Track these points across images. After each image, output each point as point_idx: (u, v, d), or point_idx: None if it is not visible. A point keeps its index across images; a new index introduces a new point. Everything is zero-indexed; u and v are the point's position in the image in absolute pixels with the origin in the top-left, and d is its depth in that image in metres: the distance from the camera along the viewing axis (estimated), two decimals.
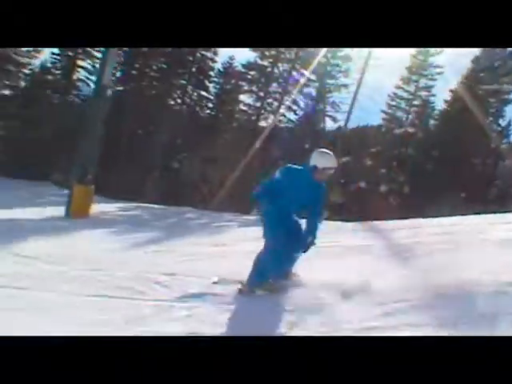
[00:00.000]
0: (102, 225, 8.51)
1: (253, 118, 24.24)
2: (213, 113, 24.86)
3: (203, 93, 24.57)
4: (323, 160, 3.10)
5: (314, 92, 23.93)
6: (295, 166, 3.23)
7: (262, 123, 23.88)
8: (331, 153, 3.17)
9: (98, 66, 21.75)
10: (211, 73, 24.49)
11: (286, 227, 3.18)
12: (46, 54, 22.18)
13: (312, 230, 3.19)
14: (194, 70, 24.00)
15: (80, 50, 21.95)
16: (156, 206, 14.21)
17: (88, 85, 22.79)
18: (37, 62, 22.32)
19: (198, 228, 9.25)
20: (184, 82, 24.17)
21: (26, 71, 22.13)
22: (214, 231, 8.78)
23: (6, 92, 21.47)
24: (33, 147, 19.93)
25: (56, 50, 22.08)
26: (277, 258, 3.14)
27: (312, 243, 3.22)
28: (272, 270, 3.20)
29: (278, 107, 23.53)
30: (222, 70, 24.55)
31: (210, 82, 24.68)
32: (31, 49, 20.99)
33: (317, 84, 23.77)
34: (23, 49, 20.75)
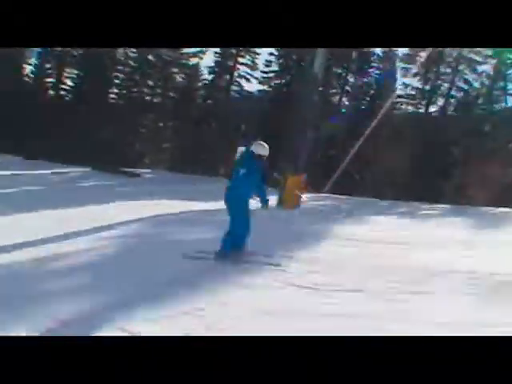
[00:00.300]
0: (327, 214, 8.79)
1: (423, 102, 21.97)
2: (370, 99, 22.66)
3: (365, 79, 22.71)
4: (258, 149, 4.38)
5: (490, 69, 21.56)
6: (244, 153, 4.47)
7: (433, 108, 22.00)
8: (265, 145, 4.40)
9: (256, 61, 21.99)
10: (371, 58, 22.63)
11: (242, 210, 4.36)
12: (209, 55, 22.25)
13: (262, 198, 4.49)
14: (353, 56, 22.30)
15: (241, 48, 21.81)
16: (343, 196, 14.43)
17: (248, 80, 22.55)
18: (195, 62, 22.71)
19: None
20: (344, 70, 22.54)
21: (188, 71, 22.70)
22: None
23: (172, 94, 22.58)
24: (201, 145, 20.41)
25: (218, 49, 21.70)
26: (236, 234, 4.41)
27: (265, 207, 4.52)
28: (232, 242, 4.41)
29: (449, 89, 21.63)
30: (381, 54, 22.45)
31: (370, 68, 22.83)
32: (197, 50, 21.37)
33: (494, 60, 21.17)
34: (188, 50, 21.48)
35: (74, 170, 16.89)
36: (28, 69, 23.80)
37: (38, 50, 22.39)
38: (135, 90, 21.99)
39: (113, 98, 22.66)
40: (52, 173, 15.80)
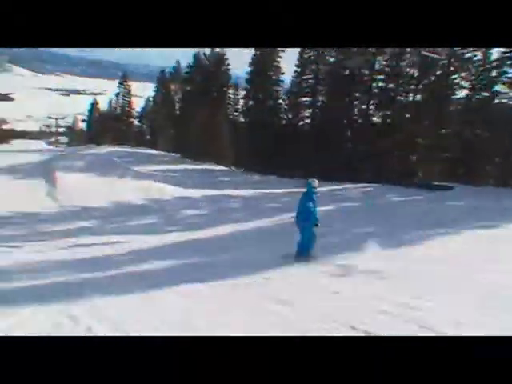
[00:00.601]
0: None
1: None
2: None
3: None
4: (315, 184, 6.20)
5: None
6: (308, 189, 6.25)
7: None
8: (316, 180, 6.24)
9: None
10: None
11: (310, 224, 6.15)
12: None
13: (316, 219, 6.27)
14: None
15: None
16: None
17: None
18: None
19: None
20: None
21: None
22: None
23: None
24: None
25: None
26: (306, 242, 6.19)
27: (316, 225, 6.22)
28: (305, 249, 6.21)
29: None
30: None
31: None
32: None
33: None
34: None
35: (357, 186, 15.65)
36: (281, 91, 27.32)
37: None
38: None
39: (371, 109, 21.83)
40: (329, 190, 14.36)
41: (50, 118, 49.03)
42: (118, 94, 45.91)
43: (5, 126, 64.52)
